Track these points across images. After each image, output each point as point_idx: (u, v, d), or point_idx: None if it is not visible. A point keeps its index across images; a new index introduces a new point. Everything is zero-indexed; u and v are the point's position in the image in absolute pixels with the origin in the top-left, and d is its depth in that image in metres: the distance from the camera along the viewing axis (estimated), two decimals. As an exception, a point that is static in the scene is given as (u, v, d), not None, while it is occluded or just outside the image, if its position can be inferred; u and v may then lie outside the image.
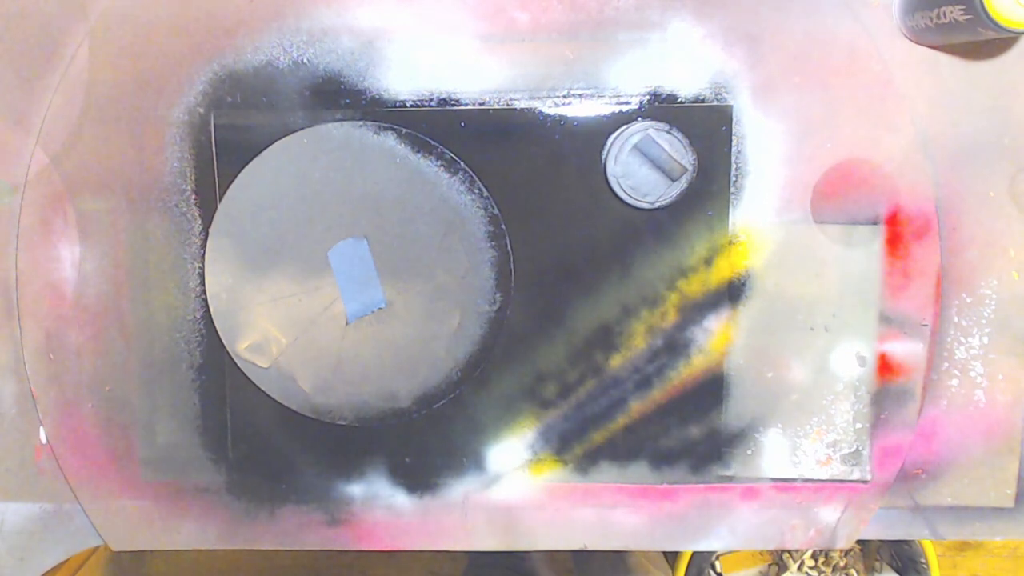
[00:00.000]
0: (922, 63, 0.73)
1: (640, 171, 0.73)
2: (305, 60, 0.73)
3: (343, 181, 0.74)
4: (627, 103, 0.73)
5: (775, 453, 0.79)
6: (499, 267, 0.75)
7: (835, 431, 0.78)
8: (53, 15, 0.73)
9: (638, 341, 0.77)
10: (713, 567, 1.34)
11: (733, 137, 0.74)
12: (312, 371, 0.77)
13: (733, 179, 0.74)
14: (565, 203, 0.75)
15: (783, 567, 1.36)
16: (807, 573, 1.35)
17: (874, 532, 0.81)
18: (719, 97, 0.73)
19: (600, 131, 0.73)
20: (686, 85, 0.73)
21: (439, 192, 0.74)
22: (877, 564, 1.36)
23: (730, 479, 0.79)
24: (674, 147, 0.72)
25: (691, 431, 0.78)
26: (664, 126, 0.72)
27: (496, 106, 0.74)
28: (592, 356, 0.77)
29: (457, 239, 0.75)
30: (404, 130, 0.73)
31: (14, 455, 0.80)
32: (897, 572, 1.34)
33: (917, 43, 0.72)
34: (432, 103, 0.74)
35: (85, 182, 0.76)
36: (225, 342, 0.77)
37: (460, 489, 0.80)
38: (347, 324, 0.76)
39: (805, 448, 0.79)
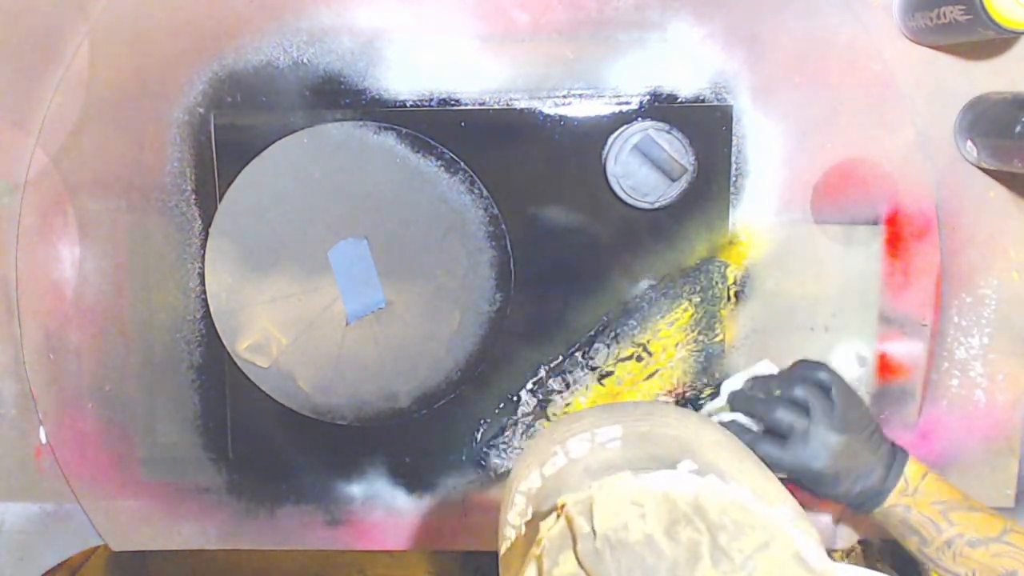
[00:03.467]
0: (922, 63, 0.73)
1: (640, 171, 0.73)
2: (305, 60, 0.73)
3: (343, 181, 0.74)
4: (627, 103, 0.73)
5: (775, 453, 0.79)
6: (499, 267, 0.75)
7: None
8: (53, 15, 0.73)
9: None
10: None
11: (733, 137, 0.73)
12: (312, 371, 0.77)
13: (733, 179, 0.74)
14: (565, 203, 0.75)
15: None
16: (807, 573, 1.35)
17: (874, 532, 0.81)
18: (719, 97, 0.73)
19: (600, 131, 0.73)
20: (686, 85, 0.73)
21: (439, 192, 0.74)
22: (878, 565, 1.35)
23: (730, 479, 0.79)
24: (674, 147, 0.72)
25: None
26: (664, 126, 0.72)
27: (496, 106, 0.74)
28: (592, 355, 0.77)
29: (457, 239, 0.75)
30: (404, 130, 0.73)
31: (14, 455, 0.80)
32: (898, 572, 1.33)
33: (917, 43, 0.72)
34: (432, 103, 0.74)
35: (85, 182, 0.76)
36: (225, 342, 0.77)
37: (460, 489, 0.80)
38: (347, 324, 0.76)
39: (805, 448, 0.79)
